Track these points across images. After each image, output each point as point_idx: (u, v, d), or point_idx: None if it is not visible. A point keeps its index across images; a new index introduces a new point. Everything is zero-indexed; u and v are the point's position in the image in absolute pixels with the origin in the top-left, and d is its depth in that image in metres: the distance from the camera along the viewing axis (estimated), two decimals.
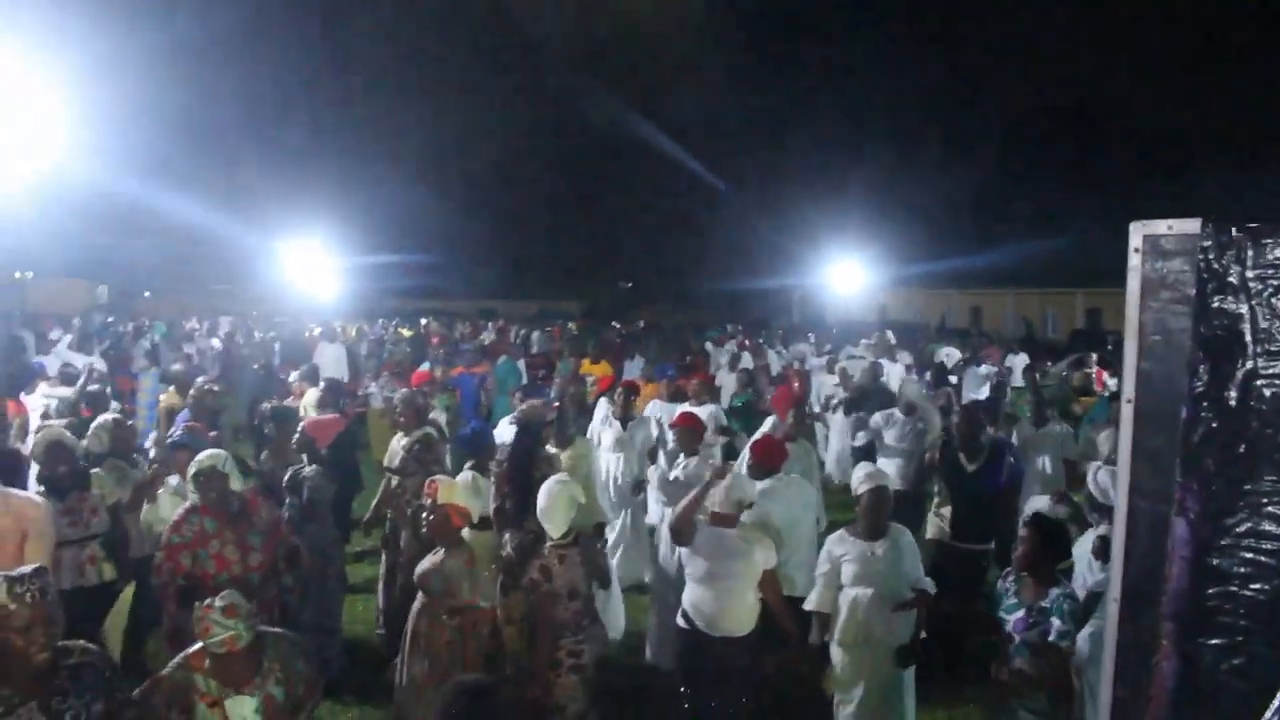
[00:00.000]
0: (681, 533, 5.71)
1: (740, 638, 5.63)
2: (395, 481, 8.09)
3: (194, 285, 55.65)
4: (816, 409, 14.01)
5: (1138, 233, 2.64)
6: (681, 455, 8.11)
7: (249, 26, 54.73)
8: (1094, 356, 21.54)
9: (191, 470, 5.92)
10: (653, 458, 9.85)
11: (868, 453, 10.41)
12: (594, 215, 68.85)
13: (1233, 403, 2.37)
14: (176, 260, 49.98)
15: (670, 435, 9.41)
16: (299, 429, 8.03)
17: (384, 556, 8.04)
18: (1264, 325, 2.34)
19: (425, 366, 15.70)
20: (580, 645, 5.41)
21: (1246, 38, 48.18)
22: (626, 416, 9.82)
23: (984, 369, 17.94)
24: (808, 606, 5.90)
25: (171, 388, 11.52)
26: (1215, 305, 2.41)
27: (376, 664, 6.58)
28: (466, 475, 5.62)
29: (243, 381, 16.60)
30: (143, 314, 34.65)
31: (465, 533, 5.73)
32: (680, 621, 5.79)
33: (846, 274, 40.92)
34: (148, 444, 9.20)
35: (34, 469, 6.80)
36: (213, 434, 8.47)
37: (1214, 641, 2.41)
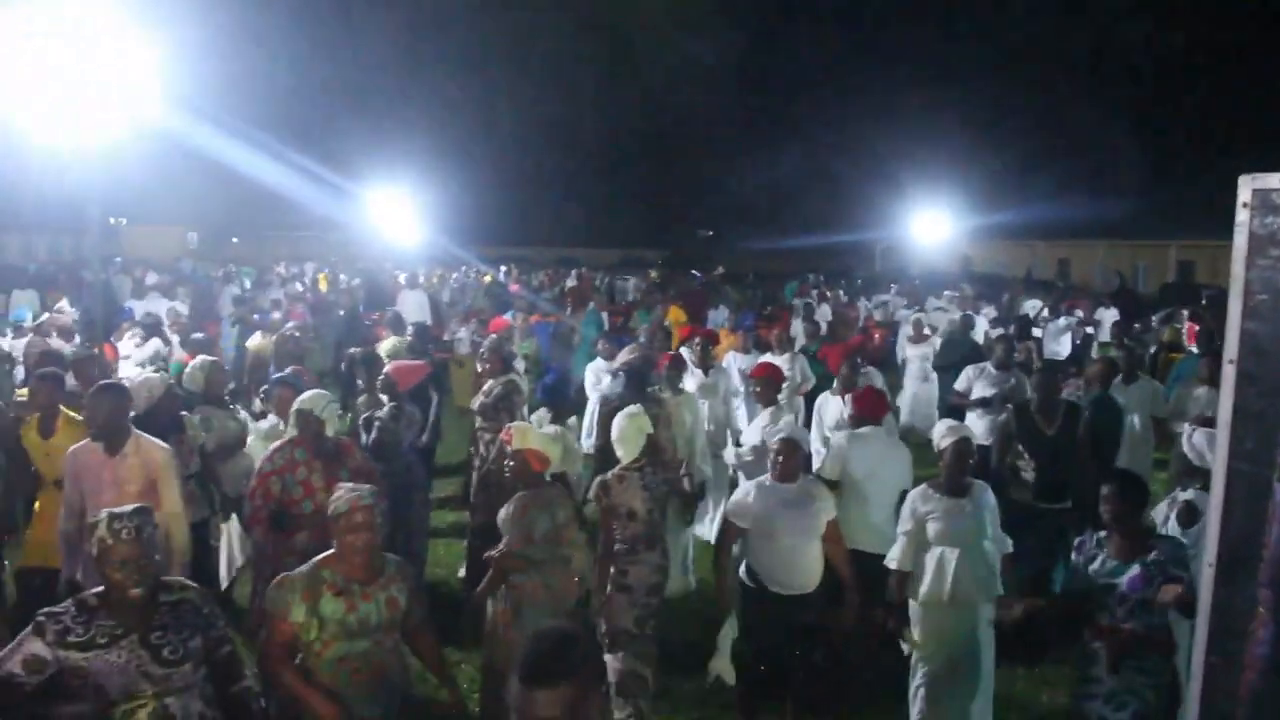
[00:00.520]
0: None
1: (805, 594, 5.60)
2: (477, 424, 8.20)
3: (281, 231, 56.61)
4: (902, 360, 13.89)
5: (1247, 186, 2.53)
6: (759, 407, 8.07)
7: None
8: (1185, 312, 20.95)
9: (293, 407, 6.12)
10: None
11: (956, 407, 10.23)
12: (676, 163, 68.38)
13: None
14: (264, 207, 50.76)
15: (740, 386, 9.43)
16: (383, 372, 8.16)
17: (471, 499, 8.18)
18: None
19: (506, 315, 15.83)
20: (628, 566, 5.70)
21: None
22: (706, 365, 9.80)
23: (1064, 321, 17.60)
24: (889, 563, 5.82)
25: (259, 333, 11.76)
26: None
27: (457, 607, 6.67)
28: (544, 415, 5.66)
29: (329, 327, 16.90)
30: (231, 259, 35.34)
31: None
32: (743, 578, 5.77)
33: (931, 225, 40.27)
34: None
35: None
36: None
37: None
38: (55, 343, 10.88)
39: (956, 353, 12.22)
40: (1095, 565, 4.81)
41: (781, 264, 50.22)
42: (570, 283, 27.91)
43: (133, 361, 10.52)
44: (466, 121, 63.23)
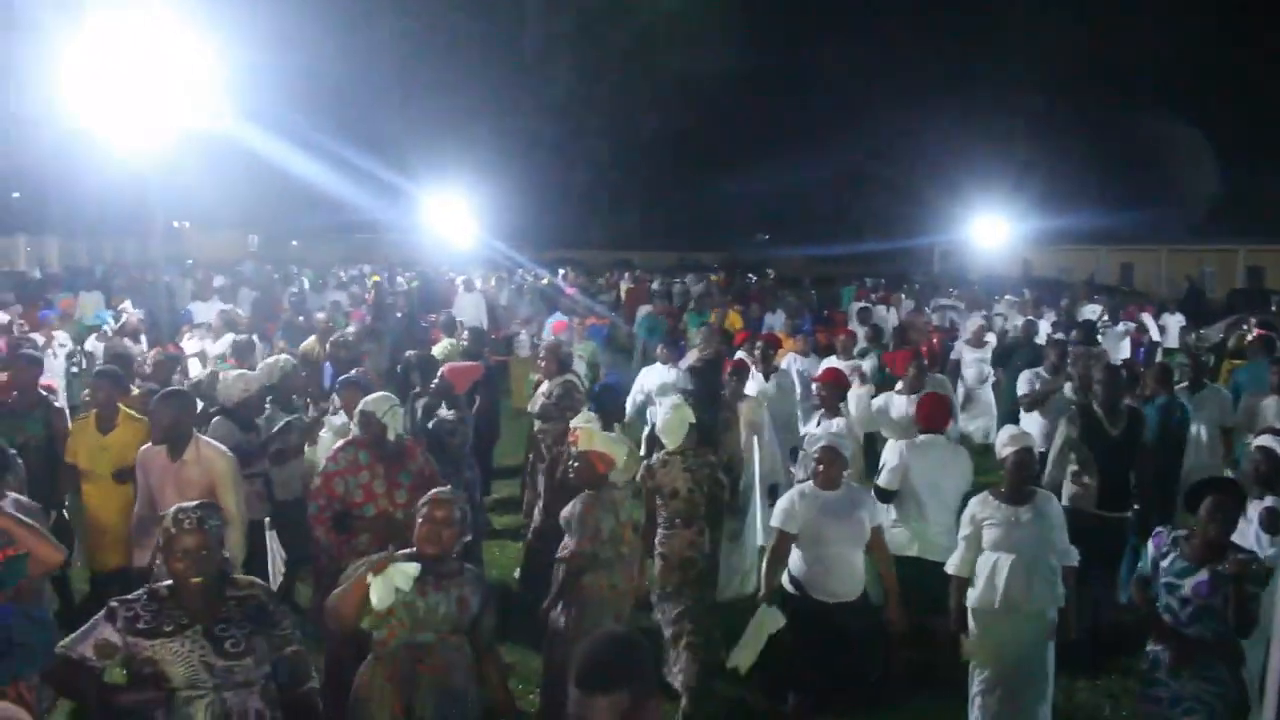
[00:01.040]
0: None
1: (850, 602, 5.59)
2: (536, 426, 8.22)
3: (340, 233, 57.26)
4: (958, 364, 13.72)
5: None
6: (823, 412, 8.00)
7: None
8: (1253, 319, 20.48)
9: (357, 408, 6.16)
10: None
11: (1014, 413, 10.10)
12: (733, 166, 68.10)
13: None
14: (323, 209, 51.38)
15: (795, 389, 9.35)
16: (438, 374, 8.19)
17: (524, 500, 8.21)
18: None
19: (560, 317, 15.88)
20: (666, 537, 6.18)
21: None
22: (768, 369, 9.72)
23: (1122, 327, 17.35)
24: (948, 570, 5.79)
25: (313, 337, 11.89)
26: None
27: (515, 609, 6.68)
28: (589, 417, 5.73)
29: (386, 328, 17.04)
30: (291, 262, 35.77)
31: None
32: (788, 586, 5.76)
33: (990, 229, 39.85)
34: None
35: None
36: None
37: None
38: (115, 341, 11.12)
39: (1018, 358, 12.04)
40: (1165, 563, 4.73)
41: (839, 268, 49.87)
42: (626, 285, 27.87)
43: (209, 354, 10.73)
44: (523, 124, 63.47)
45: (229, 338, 11.65)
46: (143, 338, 12.31)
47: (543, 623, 5.53)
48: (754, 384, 9.45)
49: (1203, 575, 4.56)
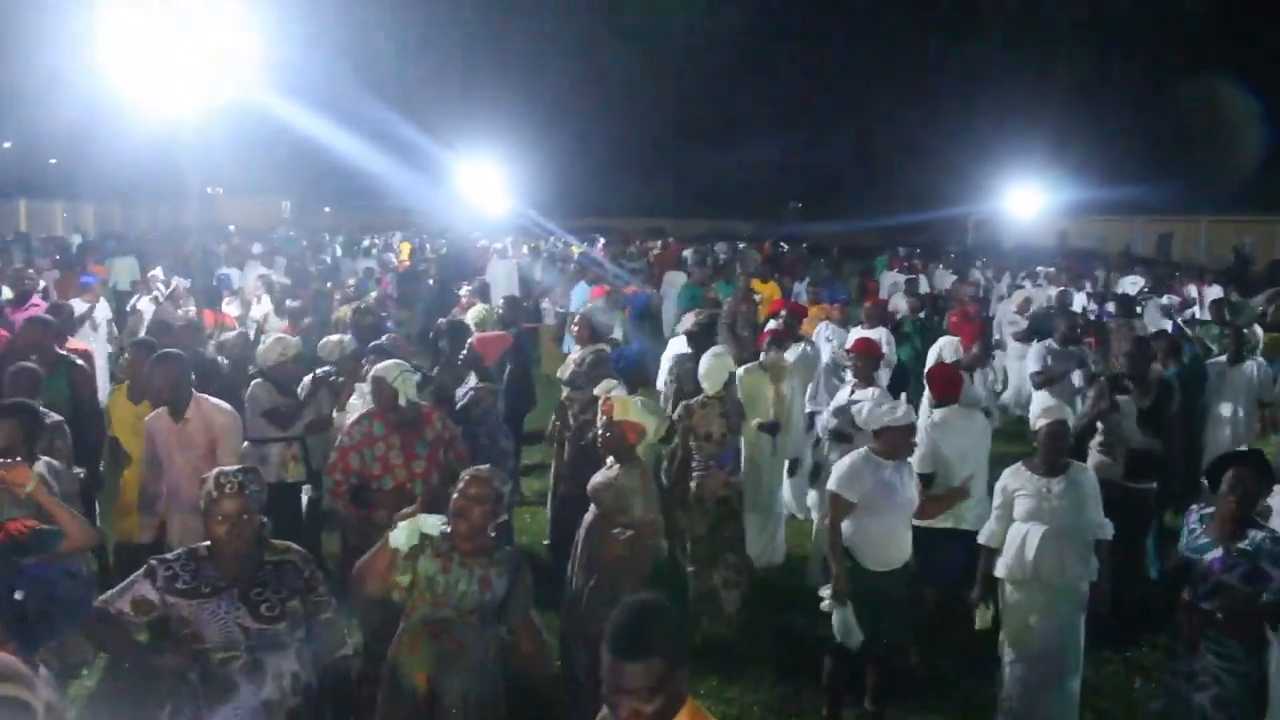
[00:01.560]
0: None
1: (897, 570, 5.58)
2: (565, 394, 8.22)
3: (371, 200, 57.33)
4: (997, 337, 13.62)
5: None
6: (855, 383, 7.94)
7: None
8: None
9: (370, 374, 6.16)
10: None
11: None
12: (765, 133, 67.75)
13: None
14: (355, 175, 51.46)
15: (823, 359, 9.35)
16: (467, 344, 8.17)
17: (553, 468, 8.22)
18: None
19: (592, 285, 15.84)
20: (700, 478, 6.74)
21: None
22: (793, 339, 9.62)
23: (1166, 300, 17.10)
24: (980, 540, 5.79)
25: (346, 305, 11.96)
26: None
27: (542, 576, 6.70)
28: (612, 384, 5.76)
29: (417, 296, 17.11)
30: (323, 229, 35.89)
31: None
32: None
33: (1025, 199, 39.41)
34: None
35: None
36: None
37: None
38: (167, 308, 11.24)
39: (1045, 329, 11.92)
40: (1188, 539, 4.73)
41: (872, 238, 49.39)
42: (655, 251, 27.63)
43: (251, 317, 10.84)
44: (554, 91, 63.32)
45: (268, 302, 11.76)
46: (190, 304, 12.39)
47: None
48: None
49: (1217, 552, 4.56)
